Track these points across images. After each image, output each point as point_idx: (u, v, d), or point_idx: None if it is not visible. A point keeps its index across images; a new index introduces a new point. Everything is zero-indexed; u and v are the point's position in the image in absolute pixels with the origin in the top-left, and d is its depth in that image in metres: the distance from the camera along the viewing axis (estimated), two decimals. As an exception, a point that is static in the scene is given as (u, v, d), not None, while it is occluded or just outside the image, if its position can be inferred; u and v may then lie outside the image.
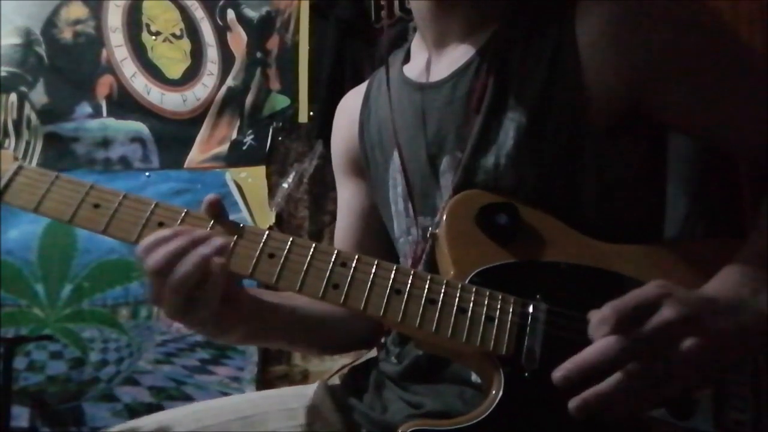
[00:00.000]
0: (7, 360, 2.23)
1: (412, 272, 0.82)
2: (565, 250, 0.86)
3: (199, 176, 2.52)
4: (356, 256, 0.82)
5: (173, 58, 2.59)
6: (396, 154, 1.02)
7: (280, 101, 2.49)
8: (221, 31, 2.57)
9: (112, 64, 2.60)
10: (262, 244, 0.81)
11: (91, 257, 2.54)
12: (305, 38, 2.47)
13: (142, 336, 2.51)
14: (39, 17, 2.64)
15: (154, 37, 2.61)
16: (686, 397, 0.78)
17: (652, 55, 0.86)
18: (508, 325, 0.80)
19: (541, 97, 0.89)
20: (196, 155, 2.53)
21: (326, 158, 2.35)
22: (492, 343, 0.80)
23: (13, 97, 2.62)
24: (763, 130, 0.88)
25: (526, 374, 0.79)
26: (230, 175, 2.49)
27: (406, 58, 1.09)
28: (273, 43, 2.51)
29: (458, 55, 0.98)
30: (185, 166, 2.53)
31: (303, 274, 0.81)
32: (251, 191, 2.47)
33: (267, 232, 0.82)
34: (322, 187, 2.40)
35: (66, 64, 2.62)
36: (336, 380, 1.08)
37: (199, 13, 2.59)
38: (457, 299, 0.81)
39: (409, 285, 0.81)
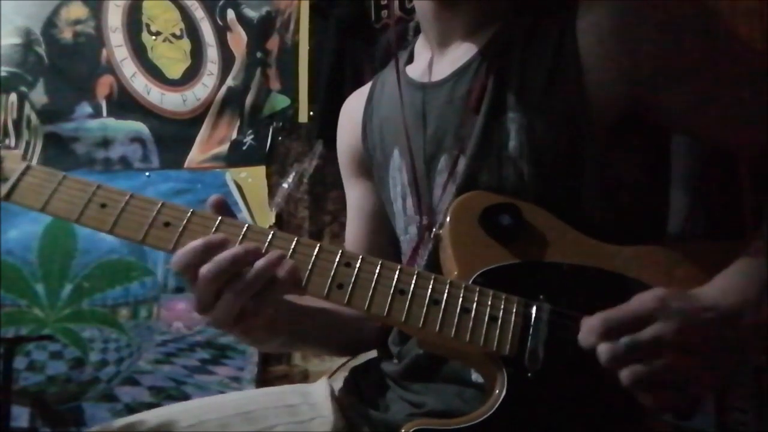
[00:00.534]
0: (7, 360, 2.23)
1: (416, 272, 0.82)
2: (567, 250, 0.86)
3: (199, 176, 2.52)
4: (360, 256, 0.82)
5: (173, 58, 2.59)
6: (396, 153, 1.03)
7: (280, 101, 2.48)
8: (221, 31, 2.56)
9: (112, 64, 2.60)
10: (267, 243, 0.82)
11: (91, 257, 2.54)
12: (305, 38, 2.47)
13: (142, 336, 2.51)
14: (39, 17, 2.64)
15: (154, 37, 2.61)
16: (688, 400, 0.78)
17: (653, 55, 0.86)
18: (512, 326, 0.80)
19: (542, 98, 0.89)
20: (196, 155, 2.53)
21: (326, 158, 2.35)
22: (495, 343, 0.80)
23: (13, 97, 2.62)
24: (763, 130, 0.88)
25: (529, 374, 0.79)
26: (230, 175, 2.49)
27: (410, 59, 1.10)
28: (273, 43, 2.51)
29: (460, 54, 0.98)
30: (185, 166, 2.53)
31: (308, 273, 0.81)
32: (251, 191, 2.47)
33: (272, 232, 0.82)
34: (322, 187, 2.40)
35: (66, 64, 2.63)
36: (337, 379, 1.09)
37: (199, 13, 2.59)
38: (460, 299, 0.81)
39: (413, 285, 0.81)
